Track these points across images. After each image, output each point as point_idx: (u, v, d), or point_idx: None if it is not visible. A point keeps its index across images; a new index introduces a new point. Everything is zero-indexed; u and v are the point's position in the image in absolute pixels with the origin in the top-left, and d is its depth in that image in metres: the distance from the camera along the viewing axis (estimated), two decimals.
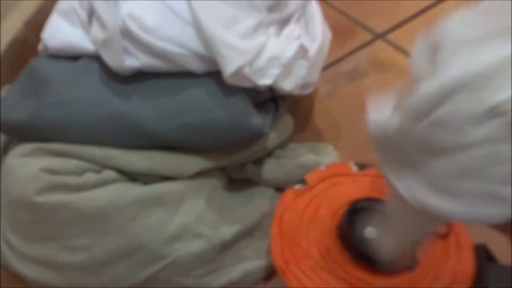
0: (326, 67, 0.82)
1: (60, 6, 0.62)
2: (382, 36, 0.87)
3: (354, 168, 0.59)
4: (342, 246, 0.50)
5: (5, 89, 0.74)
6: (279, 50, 0.57)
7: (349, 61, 0.84)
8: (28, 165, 0.53)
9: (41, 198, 0.51)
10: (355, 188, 0.57)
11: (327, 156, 0.66)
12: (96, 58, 0.59)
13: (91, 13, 0.59)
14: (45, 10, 0.82)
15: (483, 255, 0.52)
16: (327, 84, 0.81)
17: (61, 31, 0.60)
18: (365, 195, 0.53)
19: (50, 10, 0.81)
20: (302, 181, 0.58)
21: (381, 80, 0.81)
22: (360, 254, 0.48)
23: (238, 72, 0.54)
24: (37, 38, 0.79)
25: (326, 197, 0.56)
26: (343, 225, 0.50)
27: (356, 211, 0.51)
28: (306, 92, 0.64)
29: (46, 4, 0.82)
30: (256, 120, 0.56)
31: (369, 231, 0.51)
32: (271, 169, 0.64)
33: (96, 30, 0.56)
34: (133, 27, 0.54)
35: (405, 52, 0.84)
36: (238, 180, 0.66)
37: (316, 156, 0.66)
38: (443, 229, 0.52)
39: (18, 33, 0.78)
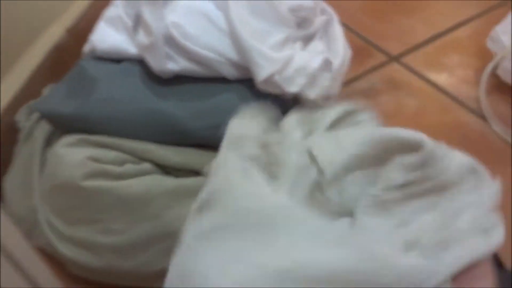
0: (343, 85, 0.88)
1: (107, 14, 0.68)
2: (397, 58, 0.93)
3: None
4: None
5: (47, 88, 0.80)
6: (305, 62, 0.62)
7: (365, 80, 0.90)
8: (75, 153, 0.58)
9: (86, 183, 0.55)
10: None
11: None
12: (137, 61, 0.65)
13: (137, 21, 0.65)
14: (85, 18, 0.89)
15: (494, 262, 0.56)
16: (343, 100, 0.86)
17: (108, 36, 0.66)
18: None
19: (90, 18, 0.88)
20: None
21: (395, 99, 0.87)
22: None
23: (269, 79, 0.59)
24: (77, 44, 0.86)
25: None
26: None
27: None
28: (328, 103, 0.69)
29: (87, 12, 0.89)
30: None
31: None
32: None
33: (141, 35, 0.62)
34: (176, 34, 0.60)
35: (418, 74, 0.90)
36: None
37: None
38: None
39: (60, 40, 0.84)
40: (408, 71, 0.90)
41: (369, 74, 0.91)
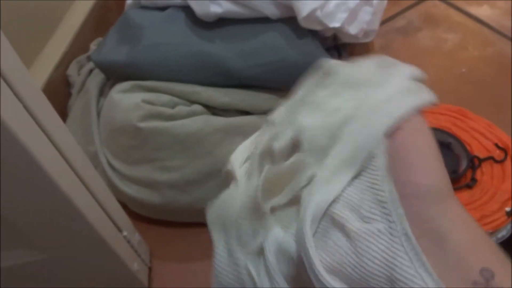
0: (381, 23, 0.87)
1: None
2: None
3: None
4: None
5: (93, 43, 0.83)
6: None
7: (402, 17, 0.89)
8: (130, 98, 0.61)
9: (143, 124, 0.59)
10: None
11: None
12: (181, 7, 0.66)
13: None
14: None
15: None
16: (381, 38, 0.86)
17: None
18: None
19: None
20: None
21: (434, 35, 0.85)
22: None
23: (311, 15, 0.60)
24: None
25: None
26: None
27: None
28: (367, 39, 0.70)
29: None
30: (327, 60, 0.62)
31: None
32: None
33: None
34: None
35: (457, 8, 0.88)
36: None
37: None
38: (501, 154, 0.57)
39: None
40: (447, 6, 0.88)
41: (406, 11, 0.90)
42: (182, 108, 0.62)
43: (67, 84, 0.80)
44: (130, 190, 0.63)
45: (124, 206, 0.65)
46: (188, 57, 0.63)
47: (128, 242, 0.57)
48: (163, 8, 0.68)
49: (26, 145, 0.35)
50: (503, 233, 0.51)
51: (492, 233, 0.51)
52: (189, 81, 0.63)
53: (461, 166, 0.57)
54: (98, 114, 0.69)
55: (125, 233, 0.55)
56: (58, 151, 0.41)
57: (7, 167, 0.37)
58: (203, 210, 0.63)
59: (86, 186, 0.46)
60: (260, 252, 0.30)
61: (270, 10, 0.62)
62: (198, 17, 0.64)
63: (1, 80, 0.33)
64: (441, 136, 0.59)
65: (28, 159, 0.36)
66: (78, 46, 0.81)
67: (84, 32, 0.82)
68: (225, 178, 0.36)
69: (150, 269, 0.63)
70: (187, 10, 0.65)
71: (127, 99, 0.61)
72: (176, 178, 0.61)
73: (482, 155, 0.58)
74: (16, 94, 0.35)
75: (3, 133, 0.34)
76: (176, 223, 0.67)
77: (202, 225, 0.38)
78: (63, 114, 0.77)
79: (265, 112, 0.65)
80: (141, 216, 0.68)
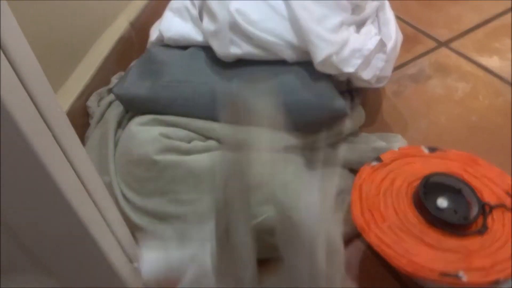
0: (393, 70, 0.90)
1: (172, 5, 0.74)
2: (445, 44, 0.94)
3: (425, 150, 0.66)
4: (417, 212, 0.57)
5: (114, 77, 0.86)
6: (361, 43, 0.65)
7: (414, 65, 0.92)
8: (148, 131, 0.63)
9: (159, 157, 0.60)
10: (427, 166, 0.63)
11: (397, 143, 0.73)
12: (202, 47, 0.69)
13: (201, 10, 0.70)
14: (146, 11, 0.95)
15: None
16: (394, 84, 0.88)
17: (175, 25, 0.71)
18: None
19: (151, 11, 0.94)
20: (378, 159, 0.65)
21: (445, 83, 0.88)
22: (435, 219, 0.55)
23: (327, 60, 0.62)
24: (138, 36, 0.92)
25: (400, 172, 0.63)
26: (419, 195, 0.57)
27: (429, 184, 0.58)
28: (380, 85, 0.72)
29: (148, 5, 0.95)
30: (340, 102, 0.64)
31: (441, 202, 0.57)
32: (345, 152, 0.72)
33: (207, 23, 0.67)
34: (240, 20, 0.64)
35: (468, 58, 0.90)
36: (313, 162, 0.74)
37: (387, 143, 0.73)
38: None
39: (124, 32, 0.90)
40: (458, 56, 0.91)
41: (418, 59, 0.92)
42: (198, 143, 0.63)
43: (86, 114, 0.83)
44: (143, 222, 0.64)
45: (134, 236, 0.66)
46: (207, 95, 0.65)
47: (139, 274, 0.57)
48: (185, 47, 0.71)
49: (49, 169, 0.37)
50: None
51: (504, 281, 0.51)
52: (206, 117, 0.65)
53: (472, 213, 0.57)
54: (115, 145, 0.70)
55: (136, 264, 0.55)
56: (78, 177, 0.43)
57: (28, 190, 0.38)
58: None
59: (102, 215, 0.47)
60: None
61: (287, 54, 0.65)
62: (218, 57, 0.67)
63: (31, 102, 0.35)
64: (452, 181, 0.60)
65: (50, 183, 0.38)
66: (99, 79, 0.84)
67: (106, 65, 0.85)
68: None
69: None
70: (207, 49, 0.68)
71: (145, 132, 0.63)
72: (189, 212, 0.62)
73: (493, 202, 0.58)
74: (42, 115, 0.37)
75: (28, 156, 0.35)
76: None
77: None
78: (81, 143, 0.79)
79: (277, 151, 0.66)
80: None
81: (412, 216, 0.56)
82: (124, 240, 0.53)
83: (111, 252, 0.48)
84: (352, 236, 0.67)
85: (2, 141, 0.33)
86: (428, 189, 0.58)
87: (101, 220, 0.47)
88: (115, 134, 0.71)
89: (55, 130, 0.38)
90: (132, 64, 0.78)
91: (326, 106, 0.64)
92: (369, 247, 0.66)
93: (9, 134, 0.33)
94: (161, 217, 0.63)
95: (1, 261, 0.46)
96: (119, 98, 0.70)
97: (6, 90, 0.31)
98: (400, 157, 0.65)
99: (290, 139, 0.66)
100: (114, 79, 0.85)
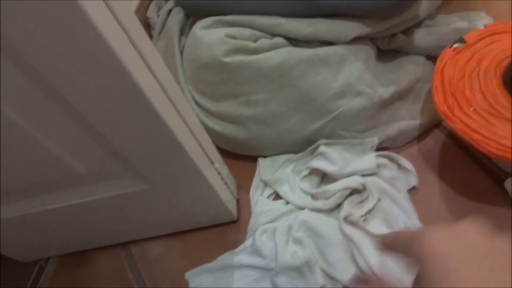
0: None
1: None
2: None
3: None
4: (508, 92, 0.52)
5: None
6: None
7: None
8: (213, 33, 0.61)
9: (228, 59, 0.59)
10: None
11: (481, 21, 0.66)
12: None
13: None
14: None
15: None
16: None
17: None
18: None
19: None
20: (460, 41, 0.59)
21: None
22: None
23: None
24: None
25: (487, 52, 0.57)
26: (510, 74, 0.52)
27: None
28: None
29: None
30: None
31: None
32: (422, 36, 0.66)
33: None
34: None
35: None
36: (388, 51, 0.69)
37: (469, 23, 0.66)
38: None
39: None
40: None
41: None
42: (265, 41, 0.61)
43: (148, 26, 0.82)
44: (217, 126, 0.65)
45: None
46: None
47: (219, 174, 0.59)
48: None
49: (132, 74, 0.37)
50: None
51: None
52: (270, 13, 0.62)
53: None
54: (181, 52, 0.70)
55: (216, 165, 0.57)
56: (157, 81, 0.43)
57: (117, 99, 0.39)
58: (288, 142, 0.64)
59: (183, 119, 0.48)
60: None
61: None
62: None
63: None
64: None
65: (133, 87, 0.38)
66: None
67: None
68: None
69: (238, 201, 0.66)
70: None
71: (210, 35, 0.61)
72: (262, 112, 0.61)
73: None
74: (119, 23, 0.37)
75: (115, 64, 0.35)
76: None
77: None
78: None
79: (348, 42, 0.62)
80: (225, 151, 0.70)
81: (502, 98, 0.52)
82: (204, 142, 0.54)
83: (195, 154, 0.50)
84: (430, 126, 0.64)
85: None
86: None
87: (182, 123, 0.48)
88: (180, 42, 0.71)
89: (132, 36, 0.38)
90: None
91: None
92: (450, 136, 0.63)
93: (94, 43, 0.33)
94: (234, 119, 0.63)
95: (104, 171, 0.49)
96: (180, 3, 0.68)
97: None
98: (487, 35, 0.59)
99: (359, 28, 0.61)
100: None
